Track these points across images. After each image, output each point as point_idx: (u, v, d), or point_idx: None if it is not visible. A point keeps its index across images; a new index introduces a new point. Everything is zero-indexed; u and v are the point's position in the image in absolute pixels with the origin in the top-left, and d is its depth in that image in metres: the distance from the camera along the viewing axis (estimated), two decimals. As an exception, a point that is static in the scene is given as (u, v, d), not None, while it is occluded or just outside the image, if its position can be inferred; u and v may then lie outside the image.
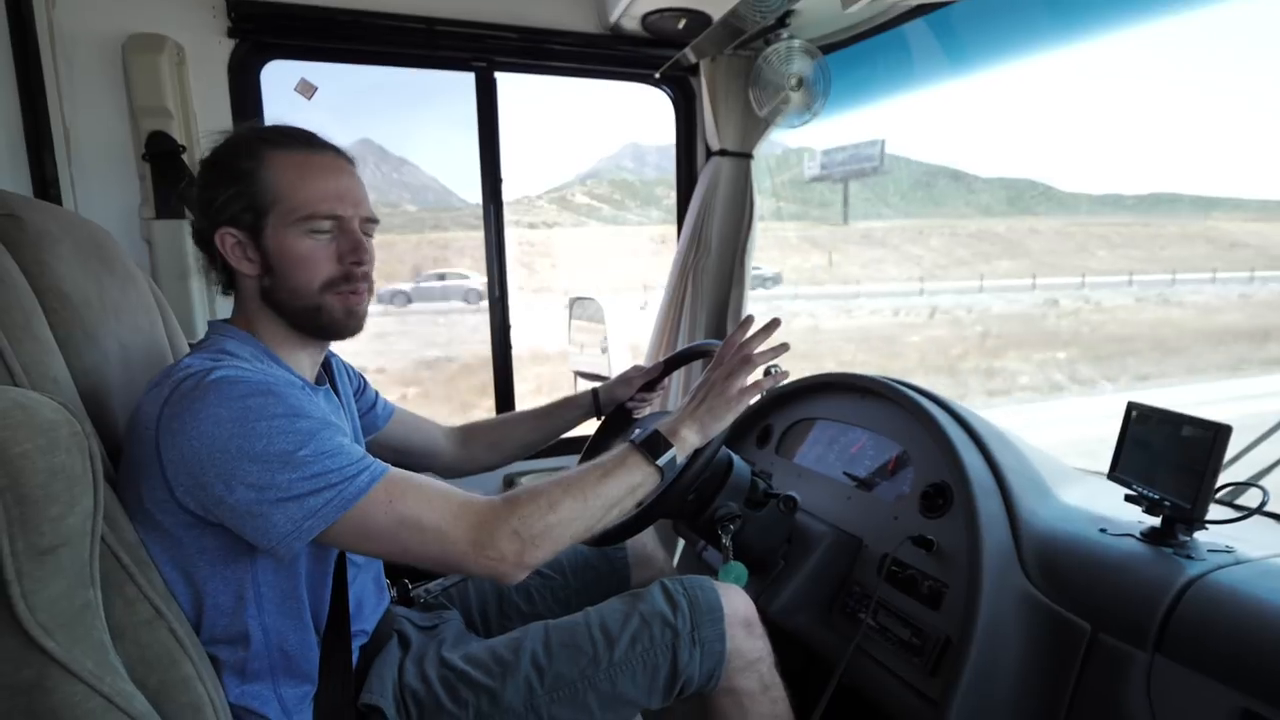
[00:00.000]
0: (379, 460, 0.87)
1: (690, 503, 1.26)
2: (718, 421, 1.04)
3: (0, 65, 1.55)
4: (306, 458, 0.80)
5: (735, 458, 1.31)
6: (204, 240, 0.96)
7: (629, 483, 0.96)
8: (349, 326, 0.98)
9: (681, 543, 1.69)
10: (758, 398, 1.08)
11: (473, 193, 2.17)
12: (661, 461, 0.98)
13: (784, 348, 1.10)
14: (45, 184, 1.62)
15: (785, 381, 1.14)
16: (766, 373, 1.10)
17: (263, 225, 0.92)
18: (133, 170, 1.71)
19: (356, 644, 1.03)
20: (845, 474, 1.45)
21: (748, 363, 1.06)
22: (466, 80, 2.06)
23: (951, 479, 1.20)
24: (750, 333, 1.10)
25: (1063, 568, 1.06)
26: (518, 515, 0.87)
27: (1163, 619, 0.91)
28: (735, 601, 1.09)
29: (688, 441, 1.02)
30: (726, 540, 1.25)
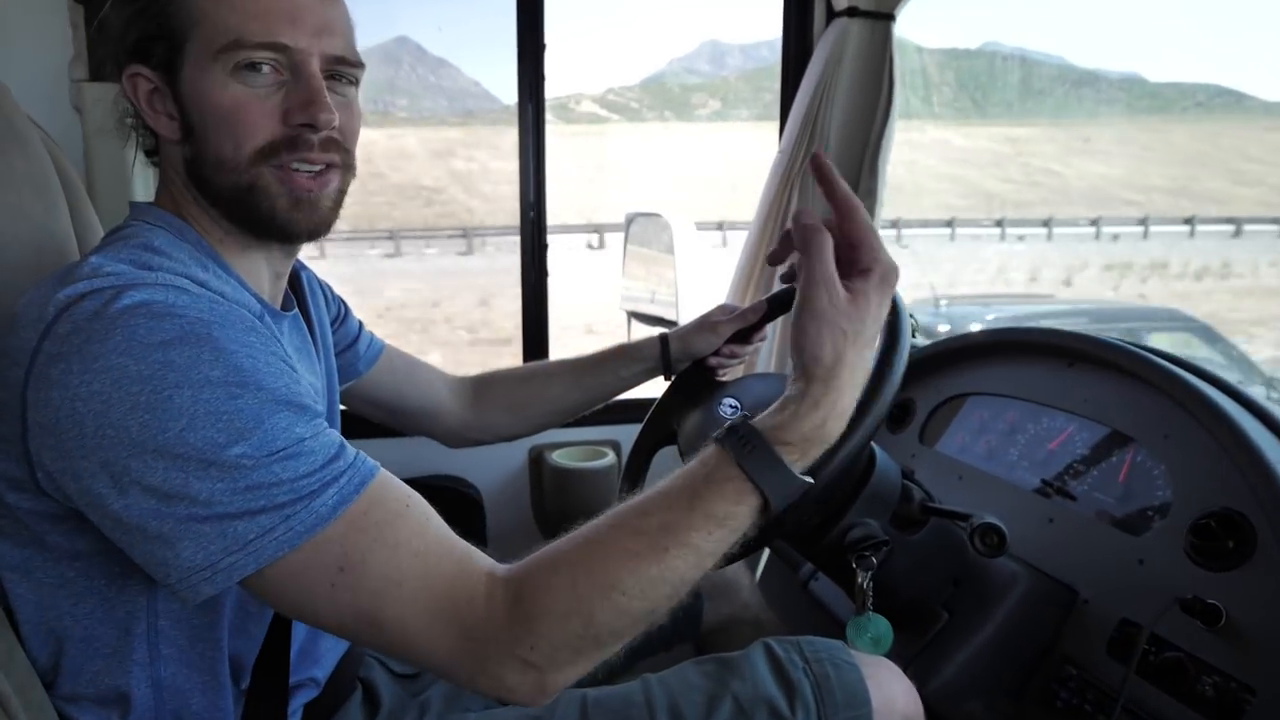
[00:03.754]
0: (364, 458, 0.59)
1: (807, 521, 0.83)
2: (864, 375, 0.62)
3: None
4: (242, 460, 0.53)
5: (878, 450, 0.87)
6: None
7: (720, 537, 0.58)
8: (296, 221, 0.68)
9: (765, 555, 1.19)
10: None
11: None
12: (771, 488, 0.57)
13: None
14: None
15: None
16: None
17: (179, 62, 0.66)
18: (64, 19, 1.33)
19: (301, 700, 0.78)
20: (1044, 482, 1.00)
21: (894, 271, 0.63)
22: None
23: (1252, 508, 0.81)
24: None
25: None
26: (530, 638, 0.56)
27: None
28: (891, 688, 0.80)
29: (814, 441, 0.59)
30: (865, 581, 0.81)
